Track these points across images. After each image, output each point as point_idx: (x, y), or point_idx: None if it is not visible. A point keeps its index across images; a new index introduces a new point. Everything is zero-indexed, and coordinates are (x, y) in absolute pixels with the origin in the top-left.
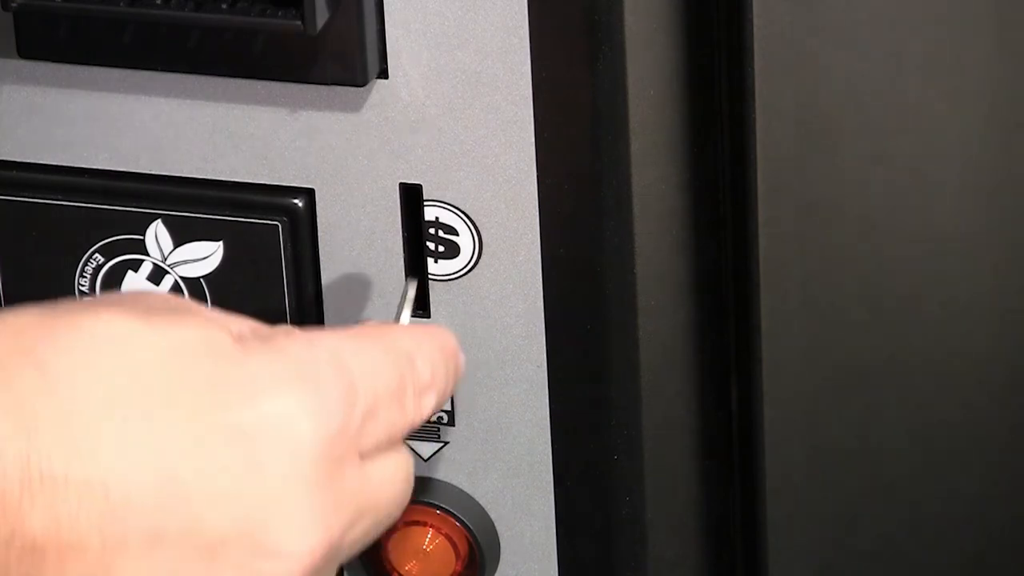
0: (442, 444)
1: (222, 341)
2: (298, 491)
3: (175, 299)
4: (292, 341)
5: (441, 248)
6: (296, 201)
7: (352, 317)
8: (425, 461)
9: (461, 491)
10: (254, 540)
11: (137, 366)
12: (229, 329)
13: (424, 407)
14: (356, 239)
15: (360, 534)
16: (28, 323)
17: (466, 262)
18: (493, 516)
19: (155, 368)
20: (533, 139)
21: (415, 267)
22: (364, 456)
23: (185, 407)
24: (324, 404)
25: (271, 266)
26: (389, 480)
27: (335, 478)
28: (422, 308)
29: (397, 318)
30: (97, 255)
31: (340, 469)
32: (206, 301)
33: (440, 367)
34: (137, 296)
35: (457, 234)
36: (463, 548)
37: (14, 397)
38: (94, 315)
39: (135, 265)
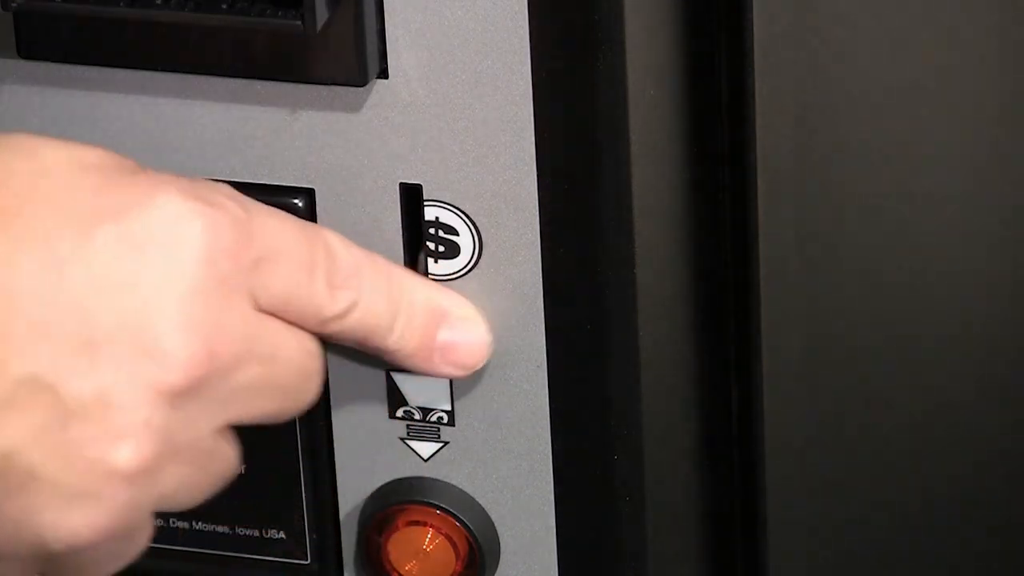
0: (442, 444)
1: (128, 162)
2: (180, 293)
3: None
4: (205, 180)
5: (441, 248)
6: (296, 201)
7: None
8: (425, 461)
9: (461, 491)
10: (135, 337)
11: (40, 170)
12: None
13: (337, 299)
14: (356, 239)
15: (252, 378)
16: None
17: (466, 262)
18: (493, 516)
19: (57, 173)
20: (533, 139)
21: (415, 267)
22: (261, 307)
23: (81, 209)
24: (215, 221)
25: None
26: (289, 344)
27: (221, 297)
28: None
29: None
30: None
31: (227, 293)
32: None
33: (370, 282)
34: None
35: (457, 234)
36: (463, 548)
37: None
38: (15, 133)
39: None
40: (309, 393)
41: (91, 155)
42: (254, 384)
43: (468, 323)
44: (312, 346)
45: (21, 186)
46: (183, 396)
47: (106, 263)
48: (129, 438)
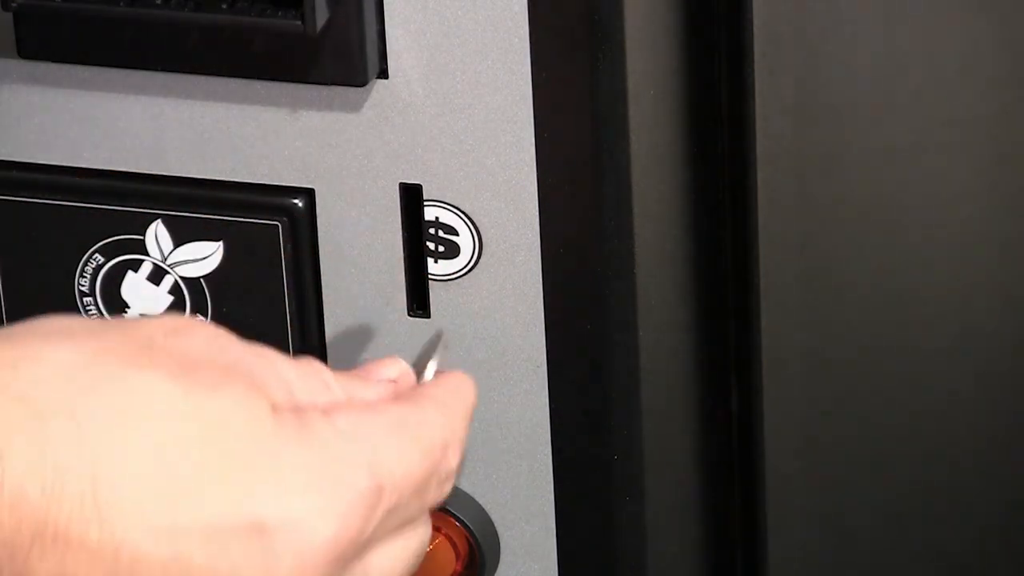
0: None
1: (260, 419)
2: None
3: (226, 347)
4: (331, 430)
5: (441, 248)
6: (296, 201)
7: (351, 317)
8: None
9: (461, 491)
10: None
11: (169, 441)
12: (269, 399)
13: (445, 492)
14: (356, 239)
15: None
16: (74, 369)
17: (466, 262)
18: (493, 516)
19: (186, 445)
20: (533, 139)
21: (415, 267)
22: (370, 544)
23: (210, 490)
24: (348, 511)
25: (271, 266)
26: (391, 564)
27: (336, 573)
28: (422, 308)
29: (423, 365)
30: (97, 255)
31: (344, 566)
32: (206, 302)
33: (464, 444)
34: (189, 342)
35: (457, 234)
36: (463, 548)
37: (44, 450)
38: (138, 374)
39: (135, 265)
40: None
41: (224, 410)
42: None
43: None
44: (419, 541)
45: (154, 459)
46: None
47: (234, 554)
48: None
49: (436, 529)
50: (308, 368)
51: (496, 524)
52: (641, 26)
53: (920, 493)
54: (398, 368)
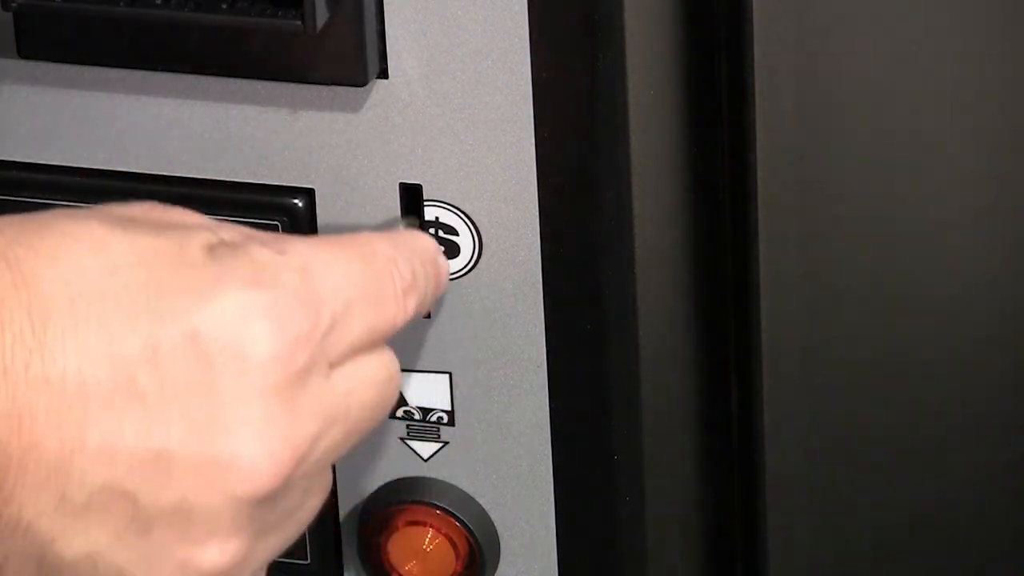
0: (442, 444)
1: (192, 249)
2: (252, 402)
3: (162, 210)
4: (260, 248)
5: (441, 248)
6: (296, 201)
7: None
8: (425, 461)
9: (461, 491)
10: (210, 448)
11: (104, 270)
12: (205, 237)
13: (407, 308)
14: None
15: (333, 442)
16: (5, 223)
17: (466, 262)
18: (493, 516)
19: (120, 273)
20: (533, 139)
21: None
22: (335, 363)
23: (145, 312)
24: (281, 311)
25: None
26: (364, 384)
27: (296, 387)
28: None
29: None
30: None
31: (302, 379)
32: None
33: (420, 269)
34: (125, 207)
35: (457, 234)
36: (463, 548)
37: None
38: (72, 219)
39: None
40: (391, 406)
41: (158, 245)
42: (337, 440)
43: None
44: (388, 370)
45: (91, 287)
46: (268, 497)
47: (175, 370)
48: (214, 541)
49: (436, 529)
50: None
51: (496, 524)
52: (641, 26)
53: (920, 492)
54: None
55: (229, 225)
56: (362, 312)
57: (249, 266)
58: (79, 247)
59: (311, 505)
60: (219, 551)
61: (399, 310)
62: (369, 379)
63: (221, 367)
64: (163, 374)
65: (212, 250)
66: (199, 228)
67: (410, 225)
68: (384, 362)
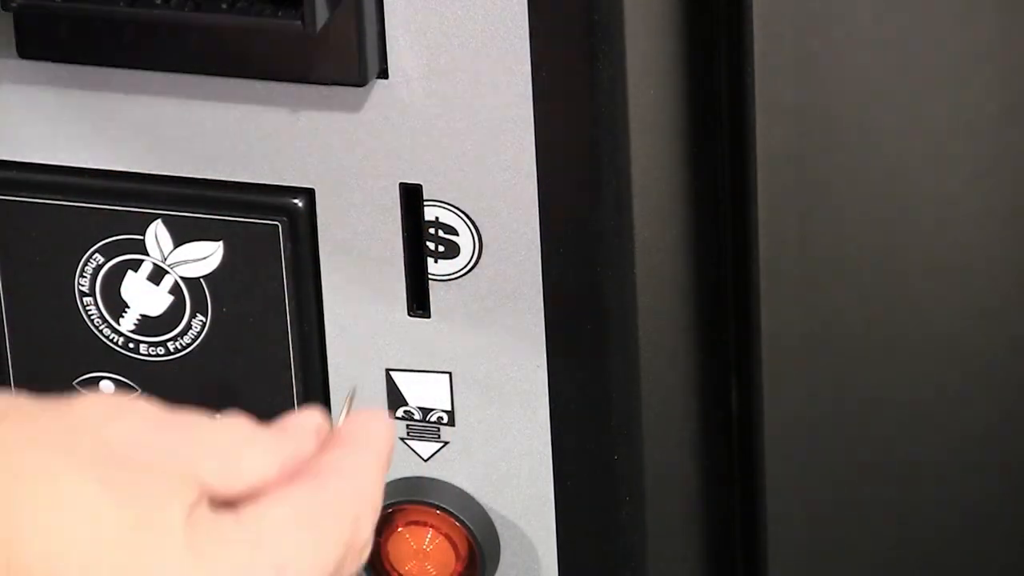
0: (442, 444)
1: (172, 527)
2: None
3: (156, 434)
4: (239, 535)
5: (441, 248)
6: (296, 201)
7: (351, 317)
8: (425, 461)
9: (461, 491)
10: None
11: (81, 539)
12: (185, 499)
13: (363, 559)
14: (356, 239)
15: None
16: (8, 445)
17: (466, 262)
18: (493, 516)
19: (97, 546)
20: (533, 139)
21: (415, 267)
22: None
23: None
24: None
25: (271, 266)
26: None
27: None
28: (422, 308)
29: (337, 419)
30: (97, 255)
31: None
32: (206, 302)
33: (379, 498)
34: (120, 430)
35: (457, 234)
36: (463, 548)
37: None
38: (63, 468)
39: (135, 265)
40: None
41: (140, 521)
42: None
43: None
44: None
45: (74, 569)
46: None
47: None
48: None
49: (436, 529)
50: (246, 440)
51: (496, 524)
52: (641, 26)
53: (920, 492)
54: (315, 419)
55: (205, 450)
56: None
57: (228, 569)
58: (70, 516)
59: None
60: None
61: (354, 568)
62: None
63: None
64: None
65: (193, 527)
66: (180, 484)
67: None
68: None
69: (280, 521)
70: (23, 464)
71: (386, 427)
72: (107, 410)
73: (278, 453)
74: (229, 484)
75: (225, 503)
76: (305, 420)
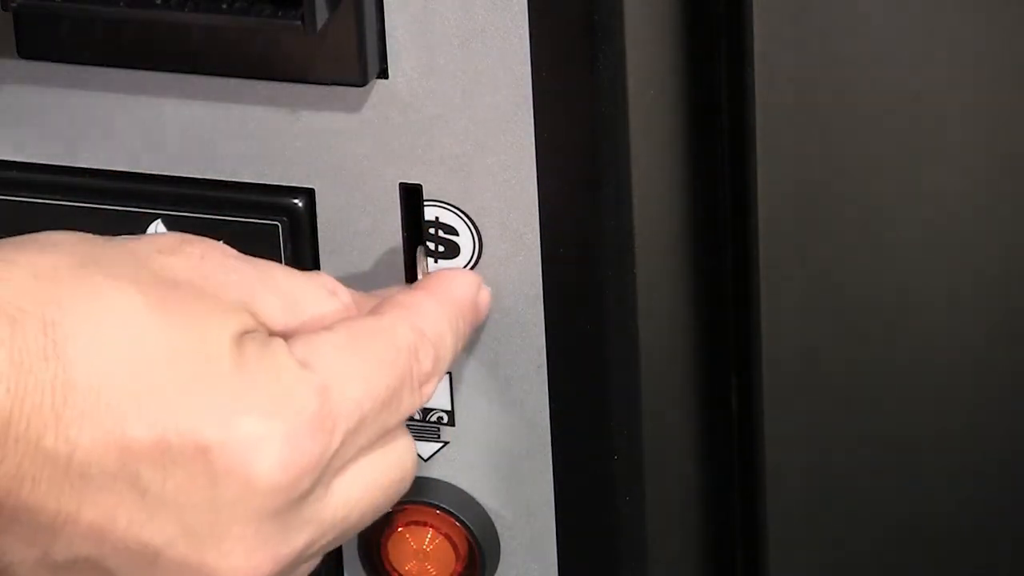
0: (442, 444)
1: (219, 346)
2: (249, 523)
3: (216, 269)
4: (286, 359)
5: (441, 248)
6: (296, 201)
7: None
8: (425, 461)
9: (461, 491)
10: (197, 558)
11: (135, 365)
12: (239, 323)
13: (424, 395)
14: (356, 239)
15: (323, 545)
16: (51, 276)
17: (466, 262)
18: (493, 516)
19: (149, 372)
20: (533, 139)
21: (415, 267)
22: (339, 471)
23: (163, 415)
24: (294, 443)
25: None
26: (367, 488)
27: (294, 510)
28: None
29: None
30: None
31: (302, 500)
32: None
33: (447, 340)
34: (165, 255)
35: (457, 234)
36: (463, 548)
37: (11, 352)
38: (111, 282)
39: None
40: (398, 497)
41: (190, 341)
42: (331, 543)
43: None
44: (397, 465)
45: (118, 380)
46: None
47: (179, 477)
48: None
49: (436, 529)
50: (309, 281)
51: (496, 524)
52: (641, 26)
53: (920, 492)
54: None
55: (265, 286)
56: (375, 419)
57: (272, 385)
58: (115, 332)
59: None
60: None
61: (414, 402)
62: (372, 483)
63: (225, 486)
64: (167, 477)
65: (241, 348)
66: (233, 311)
67: (425, 257)
68: (391, 458)
69: (328, 345)
70: (71, 285)
71: (463, 279)
72: (167, 244)
73: (341, 295)
74: (288, 320)
75: (283, 335)
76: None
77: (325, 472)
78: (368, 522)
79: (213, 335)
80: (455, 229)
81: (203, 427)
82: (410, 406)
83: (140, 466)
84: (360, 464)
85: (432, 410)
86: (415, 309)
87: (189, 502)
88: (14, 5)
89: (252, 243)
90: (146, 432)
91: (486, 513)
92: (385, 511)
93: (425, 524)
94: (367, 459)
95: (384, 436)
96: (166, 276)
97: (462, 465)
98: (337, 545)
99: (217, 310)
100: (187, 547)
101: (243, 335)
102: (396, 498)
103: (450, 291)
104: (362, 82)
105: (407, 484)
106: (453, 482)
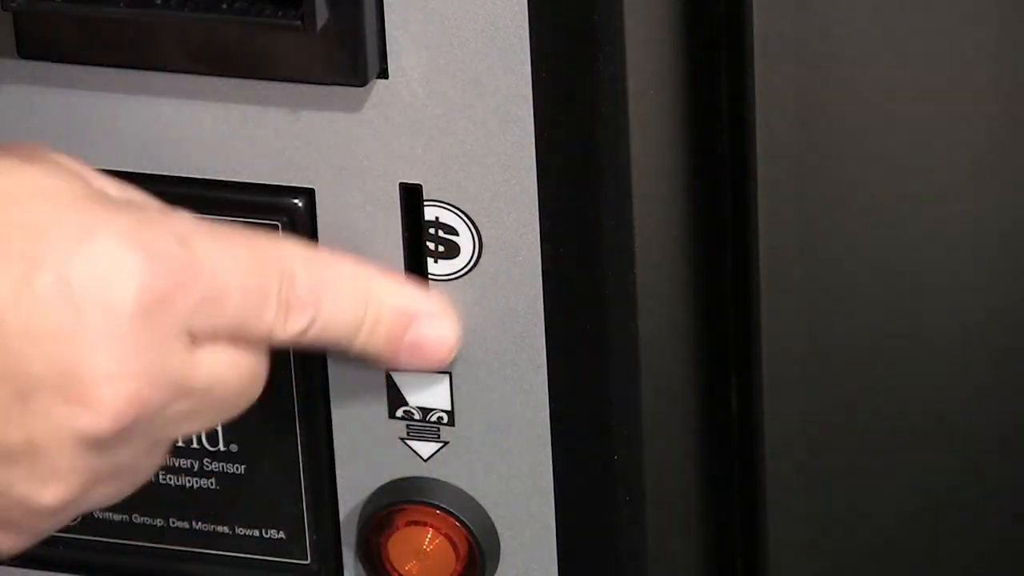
0: (442, 444)
1: (75, 189)
2: (112, 343)
3: (56, 156)
4: (148, 206)
5: (441, 248)
6: (296, 201)
7: None
8: (425, 461)
9: (461, 491)
10: (65, 387)
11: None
12: (91, 183)
13: (291, 321)
14: (356, 239)
15: (182, 412)
16: None
17: (466, 262)
18: (493, 516)
19: (7, 210)
20: (533, 139)
21: (415, 267)
22: (197, 340)
23: (21, 254)
24: (152, 269)
25: None
26: (227, 370)
27: (155, 344)
28: None
29: None
30: None
31: (162, 338)
32: None
33: (332, 296)
34: (11, 145)
35: (457, 234)
36: (463, 548)
37: None
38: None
39: None
40: (246, 404)
41: (53, 184)
42: (188, 413)
43: (436, 321)
44: (254, 368)
45: None
46: (110, 441)
47: (43, 311)
48: (54, 481)
49: (436, 529)
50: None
51: (496, 524)
52: (641, 26)
53: (921, 492)
54: None
55: (111, 179)
56: (236, 304)
57: (133, 221)
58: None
59: (145, 467)
60: (56, 492)
61: (276, 320)
62: (232, 368)
63: (88, 314)
64: (29, 316)
65: (105, 195)
66: (80, 173)
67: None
68: (251, 361)
69: (207, 229)
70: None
71: (423, 308)
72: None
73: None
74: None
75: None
76: None
77: (184, 322)
78: (224, 412)
79: (66, 179)
80: (455, 229)
81: (60, 261)
82: (271, 323)
83: (4, 309)
84: (222, 348)
85: (432, 410)
86: (325, 258)
87: (53, 338)
88: (14, 5)
89: None
90: (5, 274)
91: (486, 513)
92: (238, 411)
93: (425, 524)
94: (227, 350)
95: (246, 340)
96: (12, 149)
97: (462, 465)
98: (193, 428)
99: (72, 170)
100: (55, 383)
101: (105, 191)
102: (248, 402)
103: (387, 288)
104: (362, 82)
105: (255, 393)
106: (453, 482)
